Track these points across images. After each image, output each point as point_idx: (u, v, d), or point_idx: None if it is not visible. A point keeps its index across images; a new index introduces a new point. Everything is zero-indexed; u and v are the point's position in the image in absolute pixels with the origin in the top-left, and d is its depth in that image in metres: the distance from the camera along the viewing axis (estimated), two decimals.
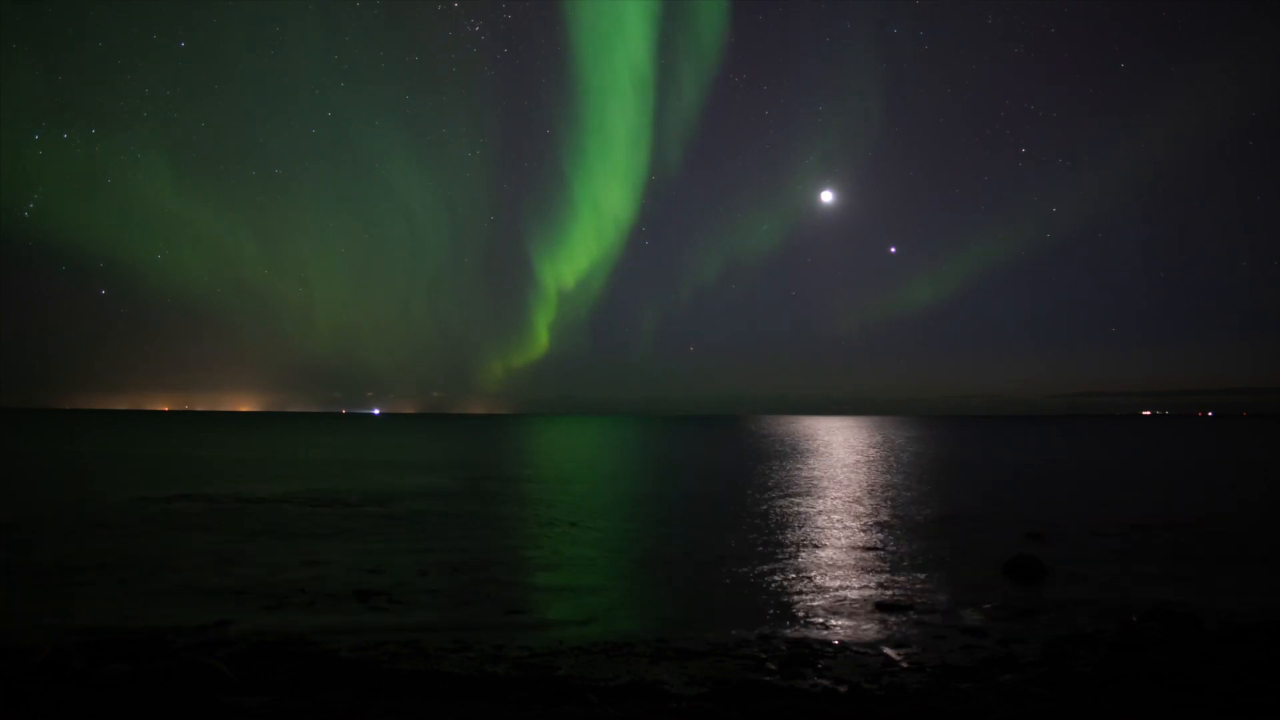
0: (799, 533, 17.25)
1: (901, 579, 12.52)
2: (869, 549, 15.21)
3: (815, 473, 34.28)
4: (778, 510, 21.17)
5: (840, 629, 9.57)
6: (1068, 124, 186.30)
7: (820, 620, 9.99)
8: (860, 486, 27.92)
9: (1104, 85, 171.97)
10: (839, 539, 16.46)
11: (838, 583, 12.22)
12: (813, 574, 12.89)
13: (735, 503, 23.05)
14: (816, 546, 15.51)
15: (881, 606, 10.47)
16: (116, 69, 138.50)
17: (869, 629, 9.58)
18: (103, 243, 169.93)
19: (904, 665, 8.00)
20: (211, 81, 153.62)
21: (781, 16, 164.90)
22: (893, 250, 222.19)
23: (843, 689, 7.09)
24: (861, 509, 21.44)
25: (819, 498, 24.27)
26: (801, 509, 21.42)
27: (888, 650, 8.57)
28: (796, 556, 14.40)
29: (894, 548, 15.35)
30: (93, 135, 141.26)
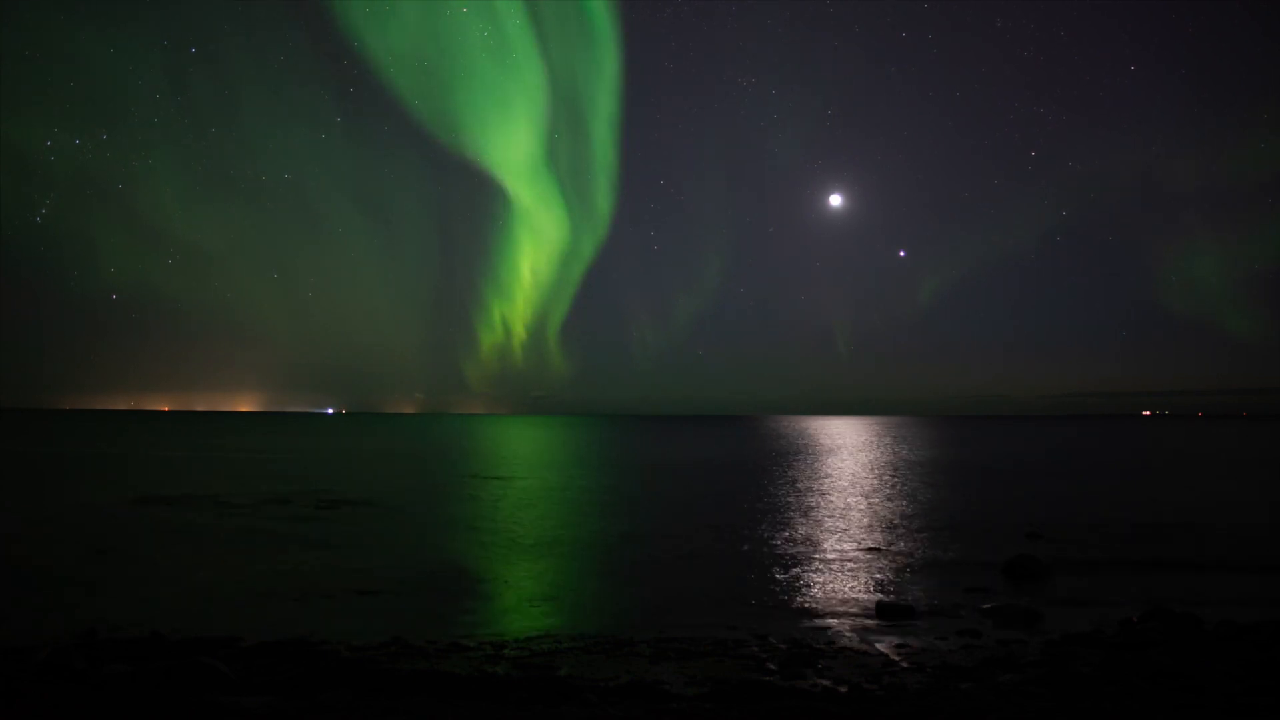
0: (799, 533, 17.25)
1: (902, 579, 12.52)
2: (869, 549, 15.21)
3: (817, 473, 34.28)
4: (779, 510, 21.17)
5: (840, 629, 9.57)
6: (1077, 127, 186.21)
7: (820, 620, 9.99)
8: (861, 487, 27.92)
9: (1113, 88, 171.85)
10: (839, 539, 16.46)
11: (838, 583, 12.23)
12: (813, 574, 12.89)
13: (737, 503, 23.04)
14: (817, 547, 15.51)
15: (881, 606, 10.47)
16: (128, 75, 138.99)
17: (869, 629, 9.58)
18: (113, 248, 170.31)
19: (904, 665, 8.00)
20: (221, 87, 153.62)
21: (790, 20, 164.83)
22: (902, 254, 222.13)
23: (843, 689, 7.09)
24: (862, 509, 21.44)
25: (820, 498, 24.28)
26: (802, 509, 21.42)
27: (888, 650, 8.57)
28: (797, 556, 14.40)
29: (894, 548, 15.35)
30: (104, 141, 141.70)
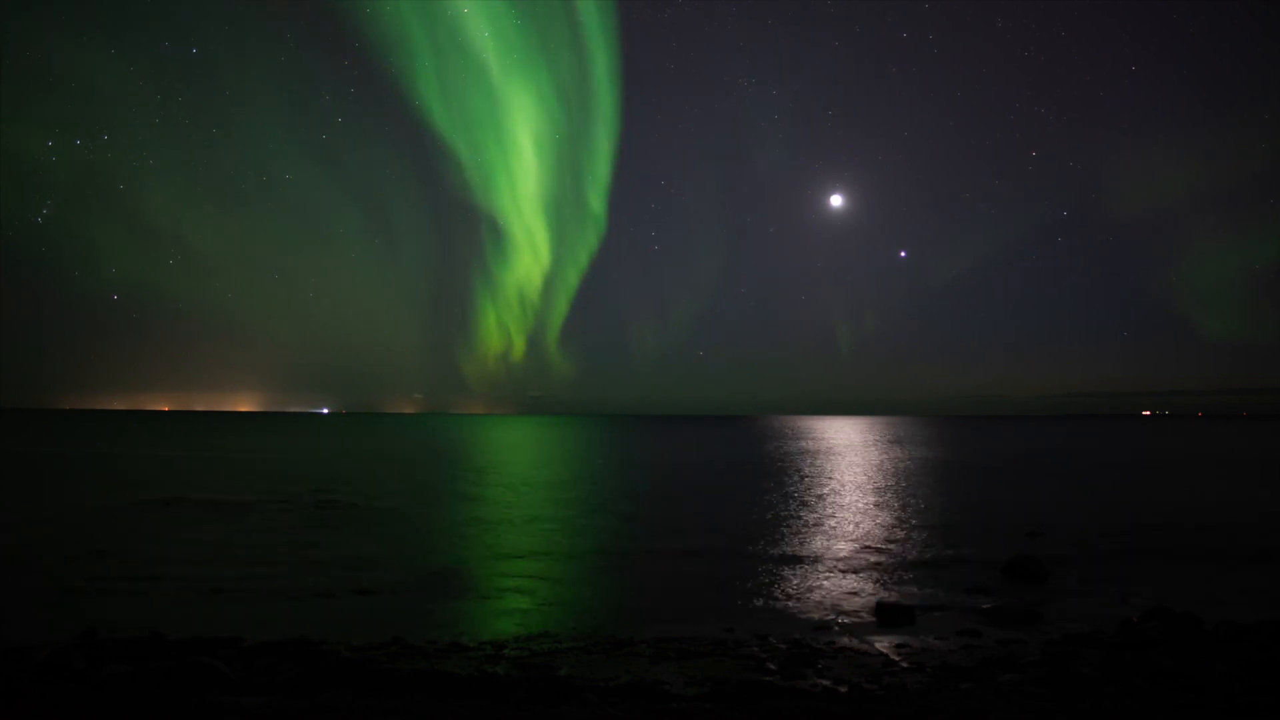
0: (799, 533, 17.25)
1: (902, 579, 12.52)
2: (869, 549, 15.21)
3: (817, 473, 34.28)
4: (779, 511, 21.17)
5: (840, 629, 9.57)
6: (1078, 127, 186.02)
7: (820, 620, 9.99)
8: (861, 487, 27.92)
9: (1113, 88, 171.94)
10: (839, 539, 16.45)
11: (838, 583, 12.23)
12: (813, 574, 12.89)
13: (736, 503, 23.04)
14: (817, 547, 15.51)
15: (881, 606, 10.47)
16: (129, 76, 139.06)
17: (869, 629, 9.58)
18: (114, 248, 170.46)
19: (904, 665, 8.00)
20: (223, 88, 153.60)
21: (790, 20, 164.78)
22: (902, 254, 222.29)
23: (843, 689, 7.09)
24: (862, 509, 21.44)
25: (820, 498, 24.27)
26: (803, 509, 21.42)
27: (888, 650, 8.57)
28: (797, 557, 14.40)
29: (894, 548, 15.35)
30: (105, 142, 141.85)
